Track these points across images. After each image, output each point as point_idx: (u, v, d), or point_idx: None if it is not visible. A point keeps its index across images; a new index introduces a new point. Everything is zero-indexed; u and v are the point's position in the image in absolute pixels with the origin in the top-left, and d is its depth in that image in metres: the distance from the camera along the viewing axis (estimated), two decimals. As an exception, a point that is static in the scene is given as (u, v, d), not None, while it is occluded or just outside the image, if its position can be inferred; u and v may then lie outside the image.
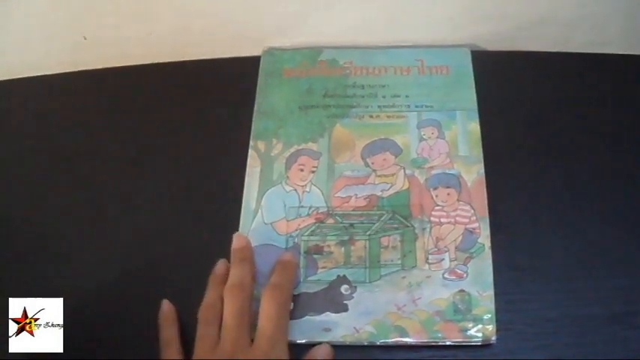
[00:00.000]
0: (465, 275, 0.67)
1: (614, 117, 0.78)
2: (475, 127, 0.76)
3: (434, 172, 0.74)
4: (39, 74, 0.87)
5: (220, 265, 0.69)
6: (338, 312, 0.66)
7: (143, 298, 0.69)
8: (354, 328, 0.65)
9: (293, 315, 0.66)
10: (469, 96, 0.78)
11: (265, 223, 0.72)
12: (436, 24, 0.82)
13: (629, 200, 0.73)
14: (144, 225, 0.75)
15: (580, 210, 0.72)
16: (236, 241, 0.69)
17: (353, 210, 0.72)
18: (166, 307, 0.68)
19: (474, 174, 0.73)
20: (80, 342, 0.65)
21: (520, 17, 0.81)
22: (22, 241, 0.75)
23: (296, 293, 0.67)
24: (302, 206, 0.73)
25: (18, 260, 0.73)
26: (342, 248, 0.70)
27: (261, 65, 0.83)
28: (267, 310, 0.63)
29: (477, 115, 0.77)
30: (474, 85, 0.79)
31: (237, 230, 0.71)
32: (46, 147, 0.82)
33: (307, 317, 0.66)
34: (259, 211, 0.73)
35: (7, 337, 0.62)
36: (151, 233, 0.74)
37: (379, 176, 0.74)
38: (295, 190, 0.74)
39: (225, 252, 0.70)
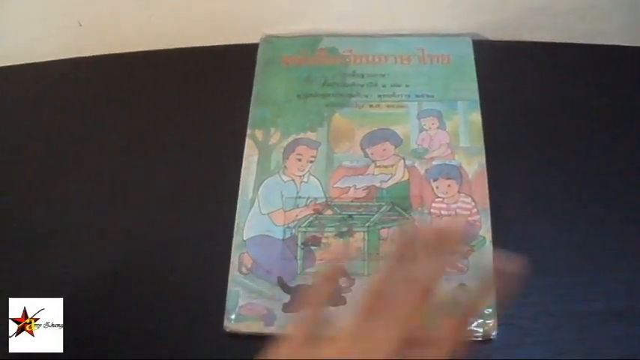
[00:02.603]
0: (465, 269, 0.66)
1: (617, 108, 0.77)
2: (476, 117, 0.75)
3: (434, 163, 0.73)
4: (33, 61, 0.86)
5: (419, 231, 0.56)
6: (336, 305, 0.65)
7: (135, 290, 0.69)
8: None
9: (290, 308, 0.66)
10: (470, 86, 0.77)
11: (262, 214, 0.71)
12: (437, 12, 0.81)
13: (632, 193, 0.72)
14: (140, 217, 0.74)
15: (583, 203, 0.71)
16: (454, 224, 0.58)
17: (352, 201, 0.71)
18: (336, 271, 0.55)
19: (475, 165, 0.72)
20: (80, 342, 0.65)
21: (522, 7, 0.80)
22: (21, 239, 0.74)
23: (293, 285, 0.67)
24: (300, 197, 0.72)
25: (18, 260, 0.72)
26: (341, 240, 0.69)
27: (259, 53, 0.82)
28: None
29: (478, 106, 0.76)
30: (475, 75, 0.78)
31: (234, 220, 0.70)
32: (41, 136, 0.81)
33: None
34: (256, 201, 0.72)
35: (7, 337, 0.62)
36: (148, 225, 0.73)
37: (379, 167, 0.73)
38: (293, 180, 0.73)
39: (221, 242, 0.69)
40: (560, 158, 0.74)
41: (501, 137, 0.74)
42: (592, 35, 0.81)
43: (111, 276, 0.70)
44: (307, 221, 0.70)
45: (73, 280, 0.70)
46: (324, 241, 0.69)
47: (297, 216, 0.71)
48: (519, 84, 0.79)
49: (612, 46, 0.81)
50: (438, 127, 0.75)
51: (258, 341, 0.62)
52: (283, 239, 0.69)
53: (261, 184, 0.73)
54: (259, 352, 0.62)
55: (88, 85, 0.84)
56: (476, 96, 0.77)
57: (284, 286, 0.66)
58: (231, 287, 0.67)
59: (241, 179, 0.73)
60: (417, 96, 0.77)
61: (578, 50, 0.82)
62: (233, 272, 0.68)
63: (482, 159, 0.72)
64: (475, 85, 0.77)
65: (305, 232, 0.70)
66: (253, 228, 0.70)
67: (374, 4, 0.81)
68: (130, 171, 0.77)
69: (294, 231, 0.70)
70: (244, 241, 0.69)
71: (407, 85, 0.78)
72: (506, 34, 0.82)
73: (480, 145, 0.73)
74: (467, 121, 0.75)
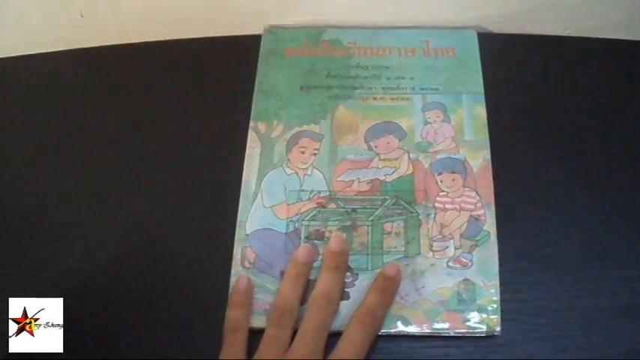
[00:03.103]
0: (469, 264, 0.66)
1: (622, 103, 0.77)
2: (481, 111, 0.75)
3: (439, 156, 0.72)
4: (34, 52, 0.85)
5: (303, 253, 0.66)
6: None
7: (137, 286, 0.69)
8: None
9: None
10: (475, 79, 0.77)
11: (265, 207, 0.70)
12: (442, 4, 0.81)
13: (637, 188, 0.71)
14: (141, 210, 0.73)
15: (588, 198, 0.71)
16: (335, 243, 0.66)
17: (355, 194, 0.71)
18: (243, 282, 0.66)
19: (479, 159, 0.72)
20: (80, 342, 0.65)
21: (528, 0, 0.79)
22: (12, 229, 0.74)
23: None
24: (303, 190, 0.71)
25: (18, 260, 0.72)
26: (344, 234, 0.68)
27: (262, 44, 0.82)
28: (353, 335, 0.61)
29: (483, 99, 0.75)
30: (480, 68, 0.78)
31: (237, 213, 0.70)
32: (41, 127, 0.80)
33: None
34: (259, 194, 0.71)
35: (7, 337, 0.61)
36: (149, 219, 0.73)
37: (383, 160, 0.72)
38: (296, 173, 0.72)
39: (224, 236, 0.69)
40: (565, 153, 0.73)
41: (506, 131, 0.74)
42: (598, 29, 0.81)
43: (111, 271, 0.70)
44: (310, 215, 0.70)
45: (73, 277, 0.69)
46: (327, 235, 0.68)
47: (300, 209, 0.70)
48: (524, 77, 0.79)
49: (619, 40, 0.81)
50: (442, 121, 0.74)
51: (261, 336, 0.62)
52: (286, 233, 0.69)
53: (264, 177, 0.72)
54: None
55: (89, 76, 0.84)
56: (481, 89, 0.76)
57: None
58: (234, 281, 0.66)
59: (244, 172, 0.72)
60: (421, 89, 0.77)
61: (584, 44, 0.81)
62: (236, 266, 0.67)
63: (487, 153, 0.72)
64: (480, 79, 0.77)
65: (308, 225, 0.69)
66: (256, 221, 0.69)
67: (378, -5, 0.80)
68: (130, 164, 0.76)
69: (297, 224, 0.69)
70: (247, 234, 0.69)
71: (411, 78, 0.78)
72: (512, 27, 0.82)
73: (484, 138, 0.73)
74: (472, 115, 0.75)
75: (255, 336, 0.63)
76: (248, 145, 0.74)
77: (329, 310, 0.62)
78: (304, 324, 0.61)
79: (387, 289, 0.64)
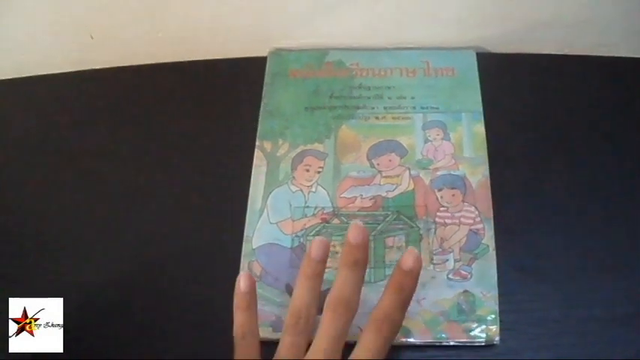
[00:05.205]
0: (469, 276, 0.67)
1: (619, 120, 0.78)
2: (480, 128, 0.76)
3: (439, 173, 0.74)
4: (45, 73, 0.87)
5: (317, 249, 0.61)
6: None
7: (145, 298, 0.70)
8: (359, 328, 0.63)
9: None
10: (474, 98, 0.79)
11: (271, 223, 0.72)
12: (442, 26, 0.82)
13: (632, 202, 0.73)
14: (148, 224, 0.75)
15: (584, 211, 0.72)
16: (353, 234, 0.59)
17: (358, 210, 0.72)
18: (243, 282, 0.61)
19: (478, 175, 0.73)
20: (80, 342, 0.66)
21: (525, 19, 0.81)
22: (23, 240, 0.75)
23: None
24: (308, 206, 0.73)
25: (18, 260, 0.74)
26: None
27: (267, 66, 0.84)
28: (369, 341, 0.57)
29: (482, 117, 0.77)
30: (479, 87, 0.79)
31: (243, 230, 0.72)
32: (51, 146, 0.82)
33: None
34: (265, 210, 0.73)
35: (7, 337, 0.62)
36: (156, 232, 0.74)
37: (385, 177, 0.74)
38: (301, 190, 0.74)
39: (231, 251, 0.70)
40: (562, 168, 0.75)
41: (504, 148, 0.75)
42: (595, 47, 0.82)
43: (119, 284, 0.71)
44: (315, 230, 0.71)
45: (80, 290, 0.71)
46: (331, 249, 0.69)
47: (305, 225, 0.72)
48: (523, 96, 0.80)
49: (616, 57, 0.82)
50: (442, 138, 0.76)
51: (267, 347, 0.63)
52: (292, 248, 0.71)
53: (270, 193, 0.74)
54: (268, 357, 0.63)
55: (99, 97, 0.86)
56: (480, 107, 0.78)
57: (292, 293, 0.67)
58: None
59: (250, 189, 0.74)
60: (422, 108, 0.78)
61: (581, 62, 0.83)
62: (242, 280, 0.69)
63: (486, 169, 0.73)
64: (479, 97, 0.79)
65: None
66: (262, 237, 0.71)
67: (380, 18, 0.82)
68: (139, 182, 0.78)
69: (302, 240, 0.71)
70: (253, 249, 0.71)
71: (412, 97, 0.79)
72: (510, 47, 0.83)
73: (483, 155, 0.75)
74: (471, 132, 0.76)
75: (264, 347, 0.63)
76: (254, 163, 0.76)
77: (347, 317, 0.58)
78: (320, 332, 0.58)
79: (405, 286, 0.58)
